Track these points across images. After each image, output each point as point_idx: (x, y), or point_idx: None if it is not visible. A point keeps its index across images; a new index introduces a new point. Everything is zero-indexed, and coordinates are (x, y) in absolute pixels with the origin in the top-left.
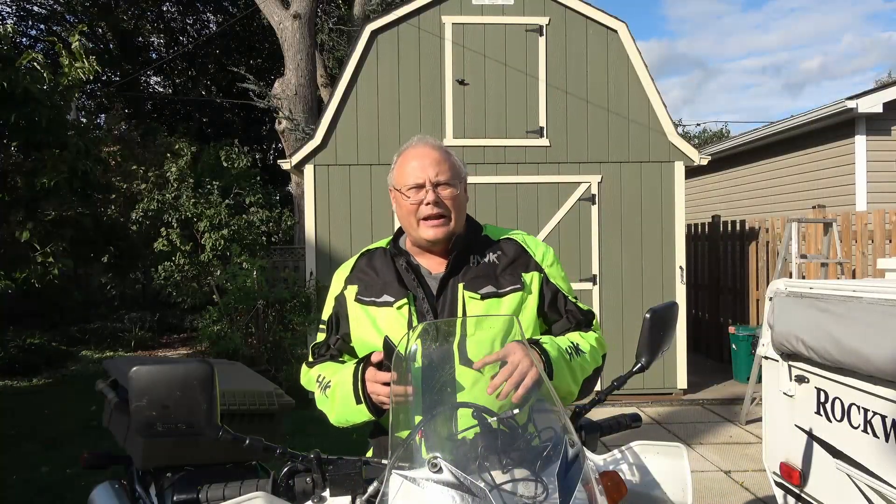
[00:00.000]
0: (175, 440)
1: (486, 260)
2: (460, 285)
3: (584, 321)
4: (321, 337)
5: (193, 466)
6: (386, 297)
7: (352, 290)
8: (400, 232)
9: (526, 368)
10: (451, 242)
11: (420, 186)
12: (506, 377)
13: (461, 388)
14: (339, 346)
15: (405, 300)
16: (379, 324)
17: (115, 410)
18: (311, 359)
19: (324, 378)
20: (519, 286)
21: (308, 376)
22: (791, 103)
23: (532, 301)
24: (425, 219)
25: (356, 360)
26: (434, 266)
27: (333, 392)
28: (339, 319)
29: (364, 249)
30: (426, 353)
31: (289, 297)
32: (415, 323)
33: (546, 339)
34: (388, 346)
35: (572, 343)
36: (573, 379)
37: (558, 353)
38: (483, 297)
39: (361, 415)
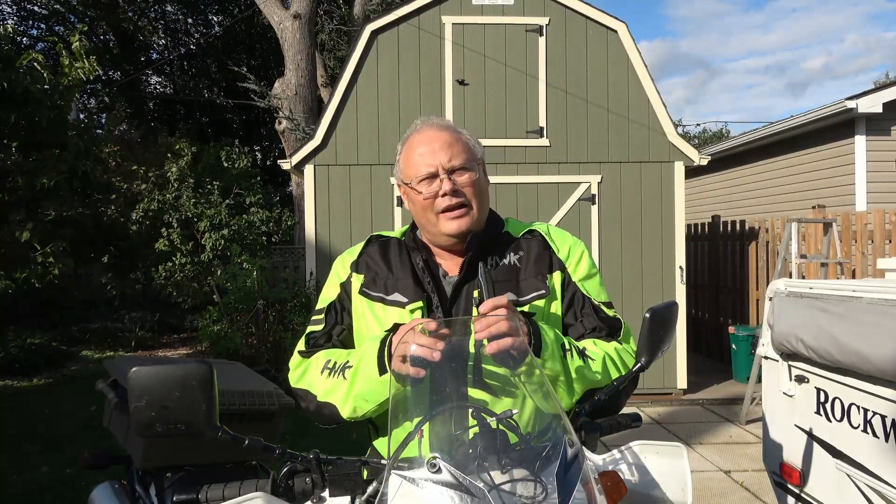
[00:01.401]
0: (175, 440)
1: (507, 262)
2: (475, 292)
3: (602, 329)
4: (317, 327)
5: (193, 466)
6: (397, 297)
7: (357, 280)
8: (416, 224)
9: (504, 328)
10: (466, 241)
11: (433, 176)
12: (484, 326)
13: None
14: (343, 338)
15: (420, 303)
16: (384, 324)
17: (115, 410)
18: (303, 347)
19: (335, 363)
20: (544, 291)
21: (304, 366)
22: (794, 103)
23: (558, 307)
24: (444, 211)
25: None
26: (451, 267)
27: (355, 373)
28: (344, 309)
29: (374, 235)
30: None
31: (289, 297)
32: None
33: (547, 326)
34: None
35: (578, 347)
36: (566, 383)
37: (555, 339)
38: None
39: (382, 391)
